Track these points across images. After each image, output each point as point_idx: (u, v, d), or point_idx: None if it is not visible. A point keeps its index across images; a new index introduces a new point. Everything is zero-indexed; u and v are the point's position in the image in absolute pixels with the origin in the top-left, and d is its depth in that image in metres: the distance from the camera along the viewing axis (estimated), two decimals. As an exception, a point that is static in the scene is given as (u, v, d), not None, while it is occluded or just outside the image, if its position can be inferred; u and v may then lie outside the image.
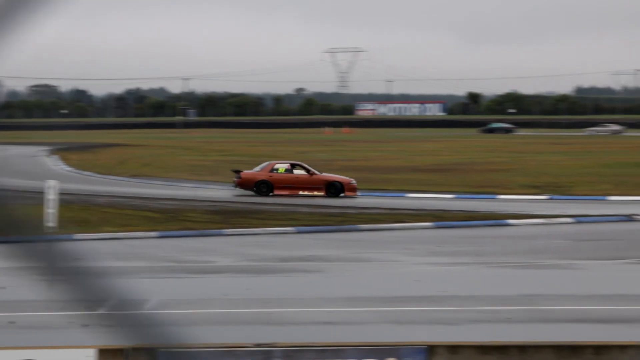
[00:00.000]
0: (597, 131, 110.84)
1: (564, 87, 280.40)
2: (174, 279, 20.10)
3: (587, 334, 13.48)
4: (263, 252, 23.79)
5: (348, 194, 38.77)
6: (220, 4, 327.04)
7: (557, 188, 41.00)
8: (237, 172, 39.88)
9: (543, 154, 66.77)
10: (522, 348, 10.22)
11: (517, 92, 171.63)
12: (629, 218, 30.80)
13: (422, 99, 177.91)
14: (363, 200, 37.10)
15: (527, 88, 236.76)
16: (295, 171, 40.00)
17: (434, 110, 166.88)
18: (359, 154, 67.88)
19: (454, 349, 10.34)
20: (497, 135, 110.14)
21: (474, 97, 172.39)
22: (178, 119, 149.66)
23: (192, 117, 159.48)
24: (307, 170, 39.62)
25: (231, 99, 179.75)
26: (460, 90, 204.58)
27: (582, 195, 38.81)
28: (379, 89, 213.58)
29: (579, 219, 30.67)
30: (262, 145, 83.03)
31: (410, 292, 17.79)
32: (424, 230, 28.59)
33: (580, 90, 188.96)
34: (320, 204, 35.37)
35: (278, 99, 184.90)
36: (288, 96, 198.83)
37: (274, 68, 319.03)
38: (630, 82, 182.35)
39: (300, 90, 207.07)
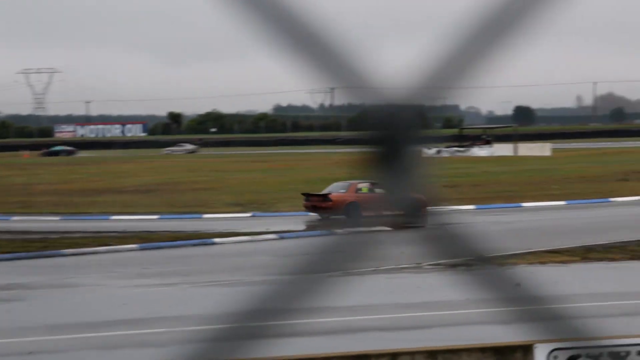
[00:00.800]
0: (173, 151, 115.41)
1: (263, 105, 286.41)
2: None
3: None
4: None
5: (423, 211, 37.04)
6: None
7: (260, 205, 41.74)
8: (321, 195, 37.41)
9: (244, 172, 67.76)
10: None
11: (217, 111, 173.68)
12: (331, 232, 31.76)
13: (123, 120, 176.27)
14: (66, 224, 36.20)
15: (229, 107, 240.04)
16: (377, 190, 37.89)
17: (135, 131, 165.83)
18: (59, 177, 65.82)
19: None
20: (61, 157, 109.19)
21: (175, 117, 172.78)
22: None
23: None
24: None
25: None
26: (162, 110, 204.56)
27: (284, 211, 39.64)
28: (78, 110, 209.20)
29: (282, 235, 31.37)
30: None
31: (116, 316, 17.49)
32: (129, 252, 28.32)
33: (278, 108, 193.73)
34: (21, 229, 34.23)
35: None
36: None
37: None
38: (325, 100, 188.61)
39: None
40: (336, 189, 37.75)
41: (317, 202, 37.25)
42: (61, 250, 28.07)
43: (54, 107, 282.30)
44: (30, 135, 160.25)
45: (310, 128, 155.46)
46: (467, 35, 1.90)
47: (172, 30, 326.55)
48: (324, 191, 37.85)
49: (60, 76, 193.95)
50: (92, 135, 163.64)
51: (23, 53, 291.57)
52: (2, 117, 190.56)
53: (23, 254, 27.64)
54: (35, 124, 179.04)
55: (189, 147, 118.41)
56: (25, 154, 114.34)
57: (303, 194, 38.13)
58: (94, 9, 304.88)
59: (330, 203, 36.86)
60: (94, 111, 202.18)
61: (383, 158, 1.95)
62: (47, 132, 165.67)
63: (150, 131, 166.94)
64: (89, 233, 32.50)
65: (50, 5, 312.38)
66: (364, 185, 37.32)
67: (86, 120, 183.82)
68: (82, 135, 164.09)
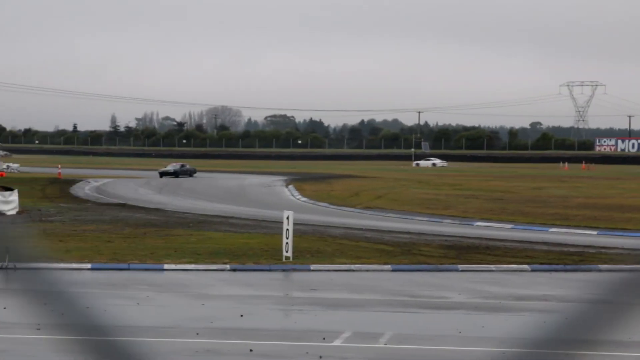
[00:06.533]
0: None
1: None
2: (408, 314, 19.82)
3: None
4: (497, 290, 23.27)
5: None
6: (447, 39, 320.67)
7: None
8: None
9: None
10: None
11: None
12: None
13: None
14: (602, 239, 35.79)
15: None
16: None
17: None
18: (597, 191, 64.65)
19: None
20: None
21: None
22: (412, 151, 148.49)
23: (426, 149, 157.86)
24: None
25: (465, 131, 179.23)
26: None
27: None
28: (620, 124, 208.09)
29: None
30: (496, 180, 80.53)
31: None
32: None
33: None
34: (558, 241, 34.30)
35: (513, 133, 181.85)
36: (523, 130, 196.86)
37: (508, 101, 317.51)
38: None
39: (535, 124, 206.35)
40: None
41: None
42: (597, 265, 27.65)
43: (595, 121, 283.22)
44: (569, 147, 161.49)
45: None
46: None
47: None
48: None
49: (603, 89, 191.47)
50: (634, 150, 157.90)
51: (567, 66, 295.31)
52: (543, 129, 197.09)
53: (558, 266, 27.56)
54: (576, 136, 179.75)
55: None
56: (564, 166, 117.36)
57: None
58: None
59: None
60: (636, 125, 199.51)
61: None
62: (587, 145, 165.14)
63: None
64: (626, 250, 31.89)
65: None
66: None
67: (627, 134, 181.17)
68: (622, 150, 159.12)
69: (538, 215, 46.06)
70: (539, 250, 31.40)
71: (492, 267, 27.43)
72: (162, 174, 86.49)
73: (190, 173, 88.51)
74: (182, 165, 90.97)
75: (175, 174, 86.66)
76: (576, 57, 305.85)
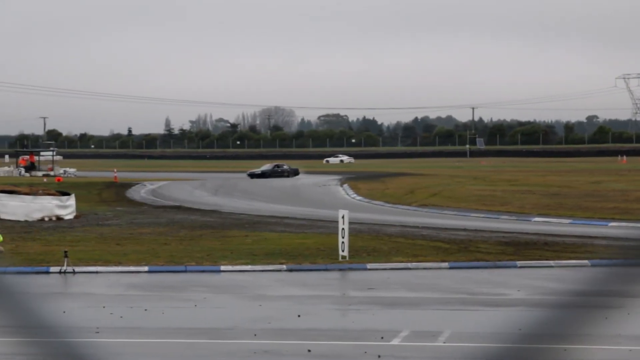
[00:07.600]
0: None
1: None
2: (467, 311, 19.80)
3: None
4: (558, 286, 23.03)
5: None
6: (500, 34, 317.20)
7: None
8: None
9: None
10: None
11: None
12: None
13: None
14: None
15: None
16: None
17: None
18: None
19: None
20: None
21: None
22: (466, 147, 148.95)
23: (481, 145, 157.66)
24: None
25: (520, 127, 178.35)
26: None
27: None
28: None
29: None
30: (553, 175, 79.68)
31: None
32: None
33: None
34: (618, 235, 33.83)
35: (569, 127, 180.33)
36: (579, 124, 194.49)
37: (564, 95, 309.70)
38: None
39: (592, 117, 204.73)
40: None
41: None
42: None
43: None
44: (628, 140, 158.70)
45: None
46: None
47: None
48: None
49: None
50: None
51: (622, 58, 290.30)
52: (600, 122, 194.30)
53: (620, 261, 27.22)
54: (633, 129, 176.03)
55: None
56: (623, 159, 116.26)
57: None
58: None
59: None
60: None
61: None
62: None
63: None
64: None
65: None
66: None
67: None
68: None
69: (597, 209, 45.53)
70: (599, 244, 31.13)
71: (551, 262, 27.25)
72: (251, 176, 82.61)
73: (288, 174, 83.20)
74: (277, 166, 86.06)
75: (263, 175, 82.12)
76: (632, 49, 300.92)
